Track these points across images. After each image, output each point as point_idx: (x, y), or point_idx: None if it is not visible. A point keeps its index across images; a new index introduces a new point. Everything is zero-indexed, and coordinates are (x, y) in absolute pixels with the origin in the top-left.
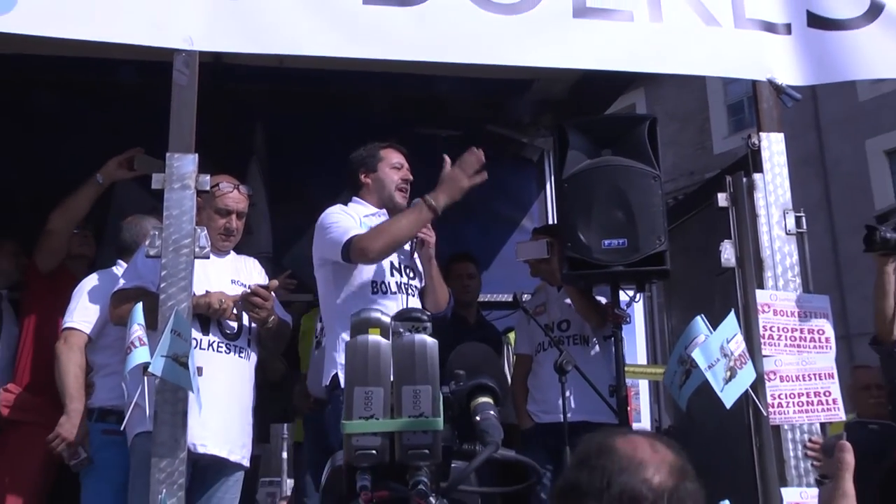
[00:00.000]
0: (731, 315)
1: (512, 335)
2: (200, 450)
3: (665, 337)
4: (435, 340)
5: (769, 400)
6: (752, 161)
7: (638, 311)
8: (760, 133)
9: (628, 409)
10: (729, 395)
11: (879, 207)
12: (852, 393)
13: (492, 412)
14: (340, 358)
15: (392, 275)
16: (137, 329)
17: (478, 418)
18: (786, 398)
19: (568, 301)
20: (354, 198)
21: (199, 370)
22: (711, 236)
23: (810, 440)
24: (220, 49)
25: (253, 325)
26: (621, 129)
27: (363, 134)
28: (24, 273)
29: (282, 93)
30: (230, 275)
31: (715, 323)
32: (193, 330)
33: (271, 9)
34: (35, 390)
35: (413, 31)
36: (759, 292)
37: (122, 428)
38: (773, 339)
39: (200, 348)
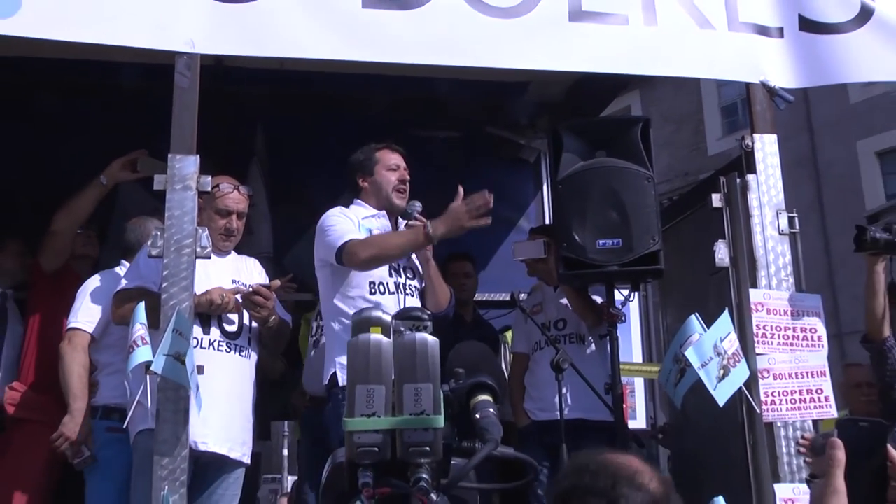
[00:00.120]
0: (725, 314)
1: (509, 334)
2: (202, 447)
3: (660, 335)
4: (436, 339)
5: (762, 397)
6: (745, 162)
7: (633, 309)
8: (754, 135)
9: (624, 406)
10: (722, 394)
11: (870, 208)
12: (844, 391)
13: (491, 410)
14: (339, 357)
15: (391, 275)
16: (140, 328)
17: (477, 416)
18: (779, 396)
19: (564, 300)
20: (356, 199)
21: (201, 368)
22: (706, 236)
23: (803, 437)
24: (221, 52)
25: (253, 324)
26: (615, 130)
27: (362, 135)
28: (29, 273)
29: (282, 95)
30: (231, 274)
31: (709, 322)
32: (195, 328)
33: (271, 12)
34: (39, 389)
35: (411, 35)
36: (752, 291)
37: (124, 426)
38: (766, 337)
39: (201, 347)
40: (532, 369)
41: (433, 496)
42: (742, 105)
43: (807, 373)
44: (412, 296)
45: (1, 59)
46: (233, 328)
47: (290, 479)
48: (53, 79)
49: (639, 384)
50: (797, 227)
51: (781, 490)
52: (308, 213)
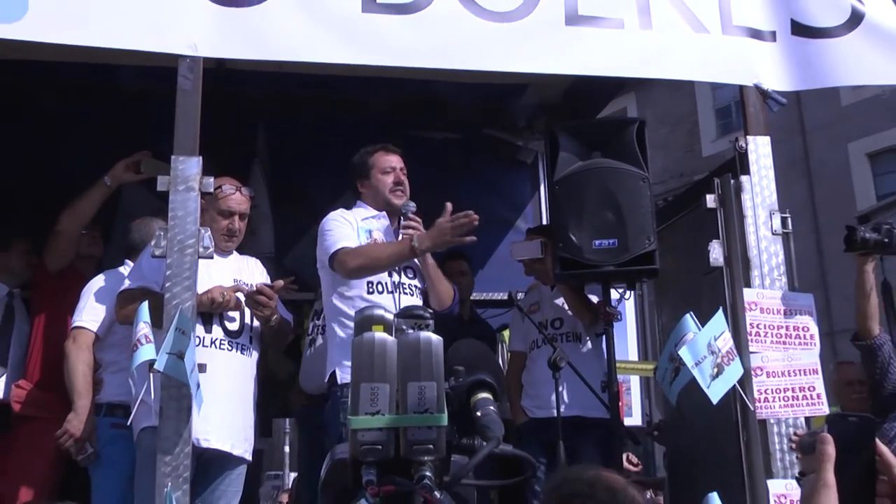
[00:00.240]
0: (719, 313)
1: (506, 333)
2: (204, 444)
3: (655, 334)
4: (440, 338)
5: (756, 395)
6: (739, 163)
7: (629, 308)
8: (747, 136)
9: (620, 404)
10: (715, 392)
11: (861, 208)
12: (836, 389)
13: (492, 408)
14: (339, 356)
15: (389, 275)
16: (143, 327)
17: (479, 414)
18: (772, 393)
19: (561, 300)
20: (358, 201)
21: (203, 367)
22: (700, 236)
23: (795, 434)
24: (223, 55)
25: (255, 322)
26: (610, 132)
27: (362, 136)
28: (35, 272)
29: (283, 97)
30: (233, 274)
31: (704, 320)
32: (197, 327)
33: (272, 16)
34: (45, 387)
35: (410, 38)
36: (746, 291)
37: (128, 423)
38: (759, 335)
39: (204, 345)
40: (529, 367)
41: (437, 494)
42: (736, 107)
43: (799, 370)
44: (411, 295)
45: (4, 62)
46: (234, 327)
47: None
48: (55, 81)
49: (635, 382)
50: (790, 227)
51: (774, 486)
52: (309, 213)
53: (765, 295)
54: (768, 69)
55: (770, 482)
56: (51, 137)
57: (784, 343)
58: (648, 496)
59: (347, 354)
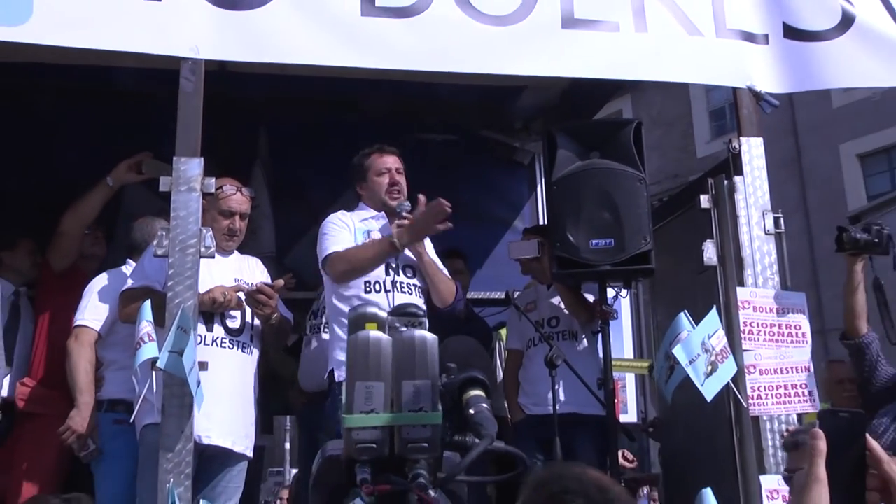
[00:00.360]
0: (713, 311)
1: (503, 331)
2: (206, 441)
3: (650, 332)
4: (435, 337)
5: (749, 392)
6: (732, 164)
7: (624, 307)
8: (741, 138)
9: (615, 401)
10: (709, 389)
11: (852, 208)
12: (828, 387)
13: (484, 405)
14: (337, 355)
15: (387, 273)
16: (146, 325)
17: (471, 411)
18: (764, 390)
19: (557, 298)
20: (360, 202)
21: (205, 365)
22: (694, 236)
23: (787, 430)
24: (224, 58)
25: (256, 321)
26: (608, 133)
27: (362, 138)
28: (39, 272)
29: (284, 99)
30: (234, 274)
31: (698, 319)
32: (199, 326)
33: (273, 19)
34: (49, 384)
35: (409, 42)
36: (739, 290)
37: (131, 420)
38: (752, 334)
39: (205, 344)
40: (526, 365)
41: (431, 492)
42: (729, 109)
43: (791, 368)
44: (410, 294)
45: (6, 65)
46: (235, 325)
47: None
48: (57, 83)
49: (630, 379)
50: (782, 227)
51: (767, 481)
52: (309, 213)
53: (758, 294)
54: (761, 71)
55: (763, 477)
56: (53, 139)
57: (776, 341)
58: (645, 492)
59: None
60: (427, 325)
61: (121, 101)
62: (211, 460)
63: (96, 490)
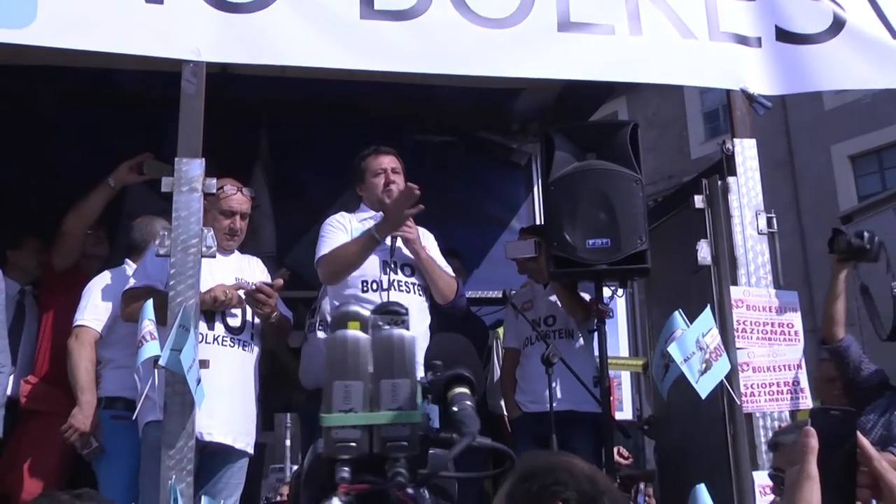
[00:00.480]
0: (707, 310)
1: (500, 329)
2: (207, 438)
3: (645, 331)
4: (413, 335)
5: (742, 389)
6: (726, 165)
7: (620, 306)
8: (734, 139)
9: (611, 398)
10: (704, 386)
11: (844, 209)
12: (818, 385)
13: (468, 402)
14: None
15: (385, 272)
16: (148, 324)
17: (455, 409)
18: (758, 388)
19: (554, 297)
20: (361, 203)
21: (206, 363)
22: (689, 236)
23: (780, 427)
24: (225, 60)
25: (256, 320)
26: (604, 134)
27: (361, 140)
28: (44, 271)
29: (284, 101)
30: (235, 273)
31: (692, 318)
32: (200, 324)
33: (274, 22)
34: (52, 382)
35: (408, 45)
36: (733, 289)
37: (133, 417)
38: (745, 332)
39: (206, 342)
40: (523, 363)
41: (409, 490)
42: (723, 111)
43: (784, 366)
44: (408, 292)
45: (10, 67)
46: (236, 324)
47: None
48: (60, 85)
49: (625, 377)
50: (775, 227)
51: (760, 477)
52: (309, 213)
53: (751, 293)
54: (754, 74)
55: (755, 473)
56: (55, 140)
57: (769, 339)
58: (642, 488)
59: None
60: (409, 323)
61: (122, 103)
62: (212, 457)
63: (99, 487)
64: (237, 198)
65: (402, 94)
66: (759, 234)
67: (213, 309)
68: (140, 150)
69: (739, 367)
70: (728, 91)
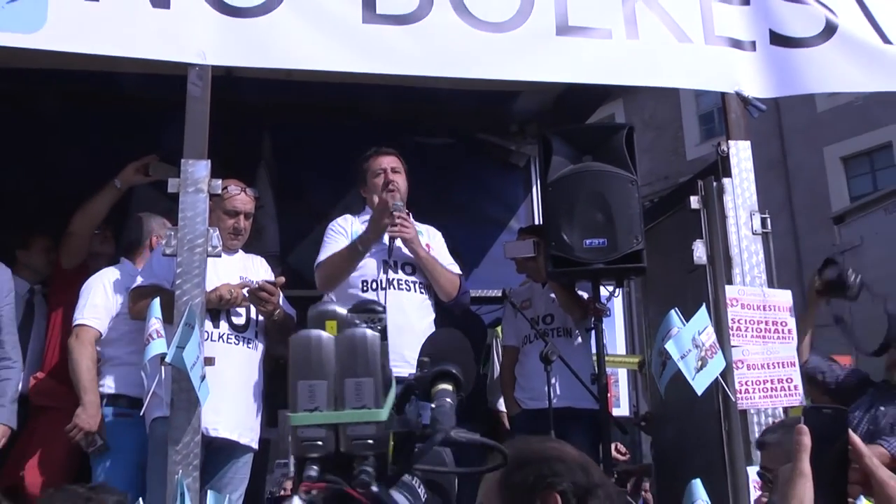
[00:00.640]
0: (703, 309)
1: (500, 328)
2: (213, 433)
3: (642, 329)
4: (376, 334)
5: (737, 386)
6: (721, 167)
7: (617, 305)
8: (729, 141)
9: (608, 395)
10: (700, 383)
11: (836, 209)
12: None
13: (448, 399)
14: None
15: (385, 272)
16: (155, 322)
17: (433, 405)
18: (752, 385)
19: (552, 296)
20: (365, 205)
21: (211, 360)
22: (685, 236)
23: (774, 424)
24: (230, 63)
25: (260, 317)
26: (601, 136)
27: (363, 141)
28: (52, 270)
29: (287, 104)
30: (239, 272)
31: (688, 316)
32: (206, 323)
33: (277, 26)
34: (61, 379)
35: (409, 48)
36: (727, 288)
37: (140, 414)
38: (740, 330)
39: (212, 340)
40: (522, 361)
41: (374, 488)
42: (718, 113)
43: (777, 363)
44: (409, 290)
45: (15, 70)
46: (240, 321)
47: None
48: (66, 88)
49: (622, 374)
50: (769, 227)
51: (754, 472)
52: (312, 214)
53: (745, 291)
54: (749, 77)
55: (750, 469)
56: (63, 142)
57: (763, 337)
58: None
59: None
60: (385, 322)
61: (123, 105)
62: (218, 452)
63: (94, 481)
64: (241, 198)
65: (403, 96)
66: (753, 234)
67: (218, 308)
68: (141, 150)
69: (734, 365)
70: (723, 94)
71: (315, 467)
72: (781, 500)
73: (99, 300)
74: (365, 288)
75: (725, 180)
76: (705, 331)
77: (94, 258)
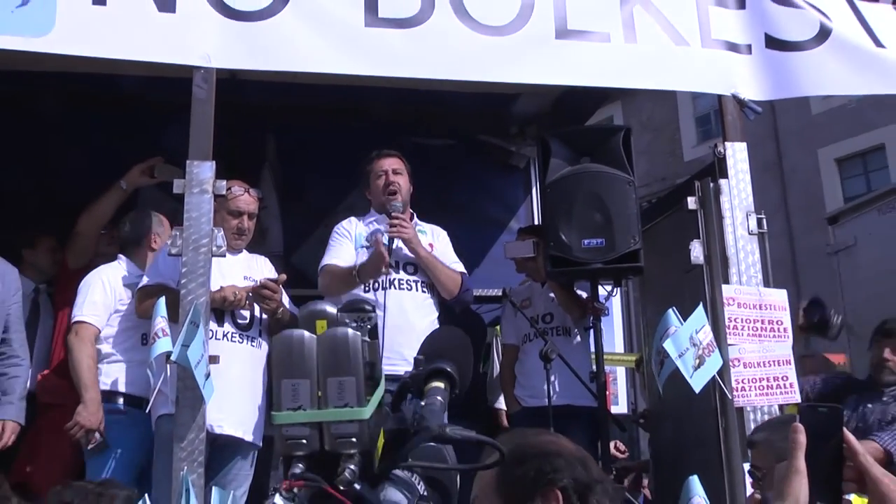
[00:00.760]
0: (700, 308)
1: (499, 327)
2: (218, 431)
3: (640, 328)
4: (357, 333)
5: (733, 384)
6: (717, 168)
7: (615, 304)
8: (725, 143)
9: (607, 393)
10: (697, 381)
11: (830, 210)
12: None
13: (438, 398)
14: None
15: (387, 273)
16: (161, 321)
17: (423, 403)
18: (748, 383)
19: (551, 295)
20: (370, 207)
21: (216, 358)
22: (682, 236)
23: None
24: (235, 66)
25: (264, 316)
26: (599, 138)
27: (365, 143)
28: (59, 269)
29: (291, 106)
30: (243, 272)
31: (685, 315)
32: (210, 322)
33: (281, 30)
34: (66, 376)
35: (411, 51)
36: (724, 287)
37: (146, 411)
38: (737, 329)
39: (216, 339)
40: (522, 359)
41: (357, 486)
42: (714, 115)
43: (773, 361)
44: (410, 289)
45: (20, 73)
46: (245, 320)
47: None
48: (69, 89)
49: (621, 373)
50: (765, 227)
51: None
52: (315, 214)
53: (742, 291)
54: (745, 80)
55: (746, 465)
56: (64, 142)
57: (759, 336)
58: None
59: None
60: (374, 321)
61: (128, 107)
62: (223, 449)
63: (89, 477)
64: (245, 198)
65: (404, 99)
66: (749, 234)
67: (222, 308)
68: (141, 151)
69: (731, 363)
70: (719, 96)
71: (300, 465)
72: (777, 496)
73: (98, 297)
74: (367, 288)
75: (722, 181)
76: (702, 329)
77: (100, 258)
